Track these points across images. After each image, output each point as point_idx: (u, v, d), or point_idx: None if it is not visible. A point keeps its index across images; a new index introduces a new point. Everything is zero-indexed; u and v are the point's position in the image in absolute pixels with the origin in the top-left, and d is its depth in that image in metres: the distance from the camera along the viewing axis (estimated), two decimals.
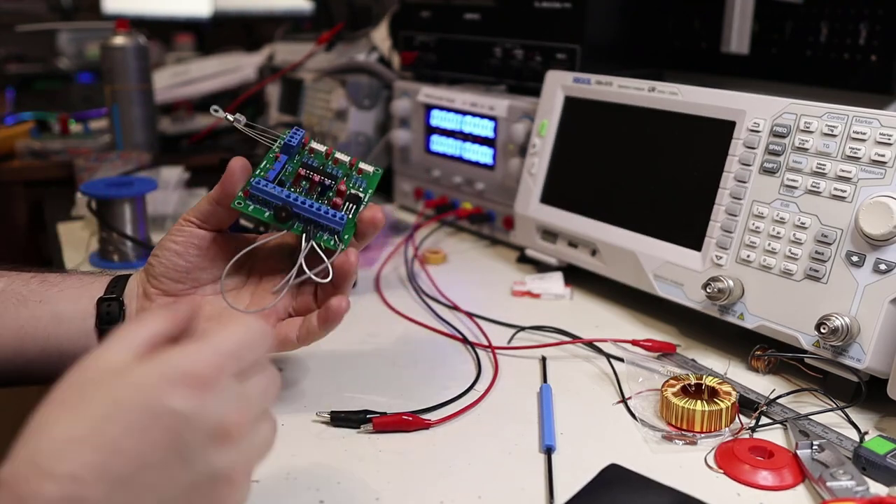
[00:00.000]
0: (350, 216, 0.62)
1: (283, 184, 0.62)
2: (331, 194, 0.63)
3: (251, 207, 0.61)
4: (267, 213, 0.61)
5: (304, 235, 0.60)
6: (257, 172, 0.62)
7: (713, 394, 0.62)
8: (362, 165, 0.65)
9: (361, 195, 0.63)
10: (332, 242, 0.60)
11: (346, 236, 0.61)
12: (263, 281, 0.65)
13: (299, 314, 0.63)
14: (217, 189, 0.61)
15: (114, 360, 0.39)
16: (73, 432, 0.36)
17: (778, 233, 0.68)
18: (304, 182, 0.63)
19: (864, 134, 0.63)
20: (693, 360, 0.72)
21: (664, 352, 0.73)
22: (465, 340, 0.76)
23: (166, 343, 0.41)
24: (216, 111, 0.64)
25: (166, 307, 0.44)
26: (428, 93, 1.11)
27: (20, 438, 0.36)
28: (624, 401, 0.65)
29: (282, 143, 0.63)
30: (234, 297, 0.64)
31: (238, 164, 0.61)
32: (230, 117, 0.63)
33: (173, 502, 0.37)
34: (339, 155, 0.65)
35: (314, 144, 0.65)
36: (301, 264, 0.60)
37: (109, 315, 0.61)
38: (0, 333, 0.59)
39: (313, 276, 0.60)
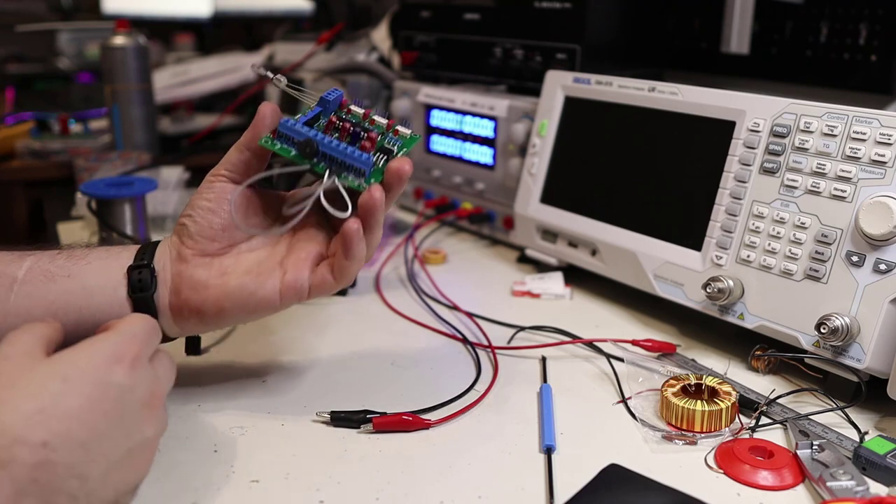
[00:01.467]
0: (380, 165, 0.60)
1: (314, 126, 0.60)
2: (361, 140, 0.60)
3: (278, 145, 0.59)
4: (294, 152, 0.59)
5: (327, 172, 0.58)
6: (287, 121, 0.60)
7: (713, 394, 0.62)
8: (399, 128, 0.63)
9: (394, 150, 0.61)
10: (356, 183, 0.58)
11: (372, 180, 0.59)
12: (297, 239, 0.62)
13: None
14: (246, 133, 0.60)
15: (24, 353, 0.45)
16: (37, 404, 0.41)
17: (778, 233, 0.68)
18: (335, 130, 0.61)
19: (864, 134, 0.63)
20: (693, 360, 0.72)
21: (664, 352, 0.73)
22: (465, 340, 0.76)
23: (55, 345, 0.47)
24: (258, 68, 0.62)
25: (41, 321, 0.49)
26: (428, 93, 1.11)
27: None
28: (624, 401, 0.65)
29: (319, 98, 0.62)
30: (267, 254, 0.62)
31: (268, 108, 0.60)
32: (272, 76, 0.62)
33: (116, 465, 0.44)
34: (376, 117, 0.63)
35: (353, 107, 0.63)
36: (319, 194, 0.57)
37: (141, 283, 0.60)
38: (32, 311, 0.58)
39: (329, 208, 0.57)
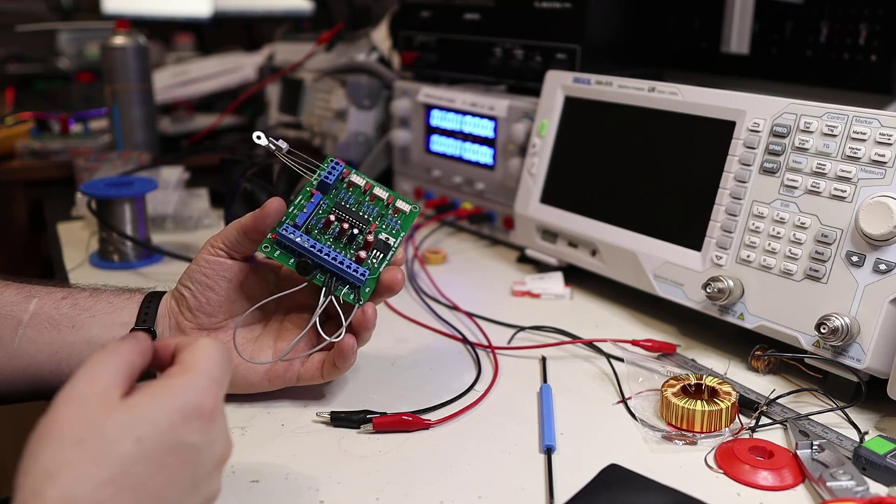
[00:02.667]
0: (376, 265, 0.62)
1: (312, 230, 0.63)
2: (357, 245, 0.63)
3: (277, 253, 0.61)
4: (291, 261, 0.61)
5: (323, 290, 0.60)
6: (289, 212, 0.62)
7: (713, 394, 0.62)
8: (399, 204, 0.65)
9: (392, 241, 0.63)
10: (351, 297, 0.61)
11: (367, 290, 0.61)
12: (290, 315, 0.65)
13: (325, 350, 0.63)
14: (249, 221, 0.62)
15: (101, 394, 0.39)
16: (107, 473, 0.37)
17: (778, 233, 0.68)
18: (333, 227, 0.63)
19: (864, 134, 0.63)
20: (693, 360, 0.72)
21: (664, 352, 0.73)
22: (465, 340, 0.76)
23: (137, 374, 0.43)
24: (259, 138, 0.63)
25: (130, 337, 0.45)
26: (428, 93, 1.11)
27: (28, 475, 0.37)
28: (624, 401, 0.65)
29: (319, 179, 0.64)
30: (261, 331, 0.65)
31: (273, 205, 0.61)
32: (272, 145, 0.63)
33: None
34: (377, 190, 0.65)
35: (354, 177, 0.65)
36: (315, 322, 0.60)
37: None
38: (36, 356, 0.60)
39: (326, 337, 0.60)
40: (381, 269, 0.62)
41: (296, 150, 0.64)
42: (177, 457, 0.39)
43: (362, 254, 0.62)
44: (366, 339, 0.63)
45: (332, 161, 0.65)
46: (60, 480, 0.36)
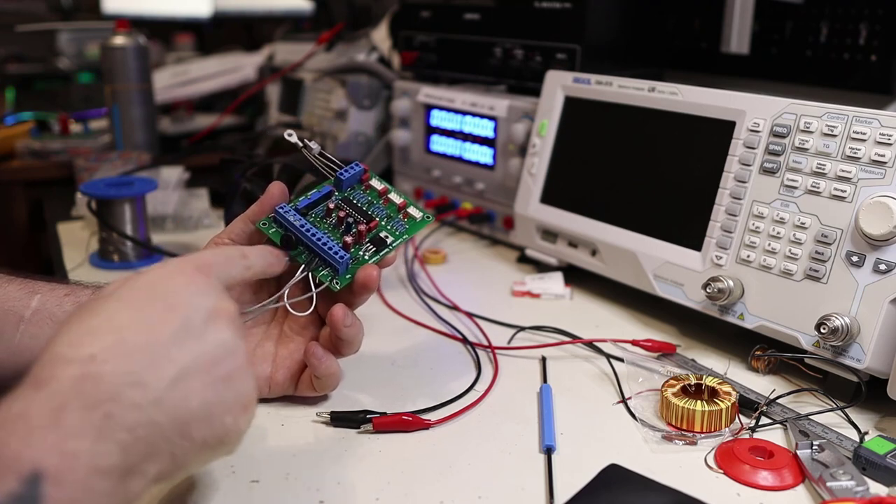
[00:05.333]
0: (366, 258, 0.62)
1: (311, 216, 0.63)
2: (351, 232, 0.63)
3: (272, 230, 0.62)
4: (273, 231, 0.62)
5: (302, 266, 0.61)
6: (296, 199, 0.63)
7: (713, 394, 0.62)
8: (411, 210, 0.65)
9: (390, 239, 0.63)
10: (328, 279, 0.61)
11: (347, 276, 0.61)
12: (290, 322, 0.65)
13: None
14: (253, 207, 0.63)
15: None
16: (87, 325, 0.41)
17: (778, 233, 0.68)
18: (332, 216, 0.64)
19: (864, 134, 0.63)
20: (693, 360, 0.72)
21: (664, 352, 0.73)
22: (465, 340, 0.76)
23: None
24: (290, 135, 0.65)
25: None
26: (428, 93, 1.11)
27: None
28: (624, 401, 0.65)
29: (335, 175, 0.65)
30: (262, 336, 0.65)
31: (277, 188, 0.63)
32: (301, 143, 0.64)
33: (191, 373, 0.41)
34: (393, 195, 0.66)
35: (374, 181, 0.66)
36: (284, 292, 0.60)
37: None
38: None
39: (290, 308, 0.61)
40: (371, 262, 0.62)
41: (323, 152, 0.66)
42: (157, 301, 0.43)
43: (348, 239, 0.62)
44: (346, 343, 0.61)
45: (356, 164, 0.66)
46: (56, 338, 0.40)
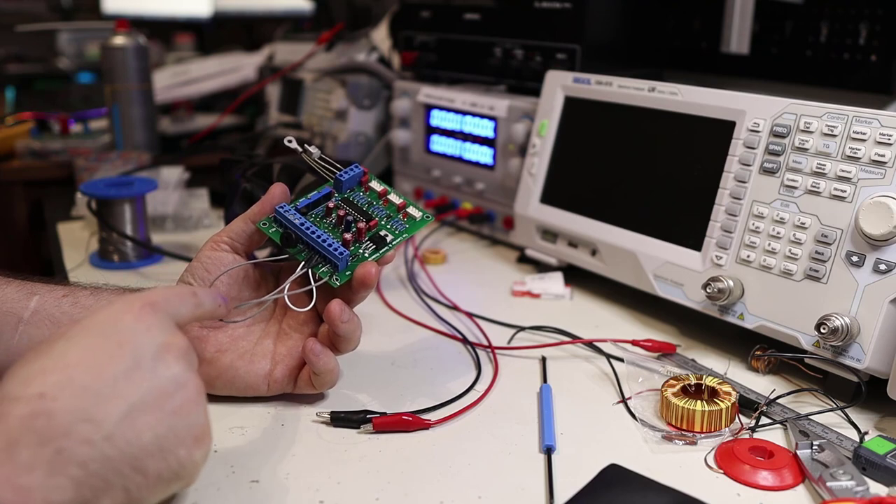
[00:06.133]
0: (366, 255, 0.62)
1: (311, 215, 0.64)
2: (351, 230, 0.63)
3: (272, 229, 0.62)
4: (274, 230, 0.62)
5: (302, 263, 0.61)
6: (292, 199, 0.64)
7: (713, 394, 0.62)
8: (411, 210, 0.65)
9: (390, 238, 0.64)
10: (328, 275, 0.61)
11: (347, 272, 0.61)
12: (289, 319, 0.65)
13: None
14: (254, 208, 0.64)
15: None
16: (38, 365, 0.41)
17: (778, 233, 0.68)
18: (332, 216, 0.64)
19: (864, 134, 0.63)
20: (693, 360, 0.72)
21: (664, 352, 0.73)
22: (465, 340, 0.76)
23: None
24: (290, 142, 0.65)
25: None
26: (428, 93, 1.11)
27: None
28: (624, 401, 0.65)
29: (335, 176, 0.65)
30: (260, 333, 0.64)
31: (279, 188, 0.64)
32: (300, 148, 0.65)
33: (142, 407, 0.42)
34: (392, 196, 0.66)
35: (373, 183, 0.66)
36: (284, 287, 0.60)
37: None
38: None
39: (289, 303, 0.61)
40: (369, 260, 0.62)
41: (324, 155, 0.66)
42: (107, 339, 0.43)
43: (348, 236, 0.62)
44: (344, 339, 0.61)
45: (355, 165, 0.66)
46: (7, 379, 0.41)
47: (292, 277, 0.61)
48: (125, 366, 0.42)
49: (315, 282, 0.61)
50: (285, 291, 0.61)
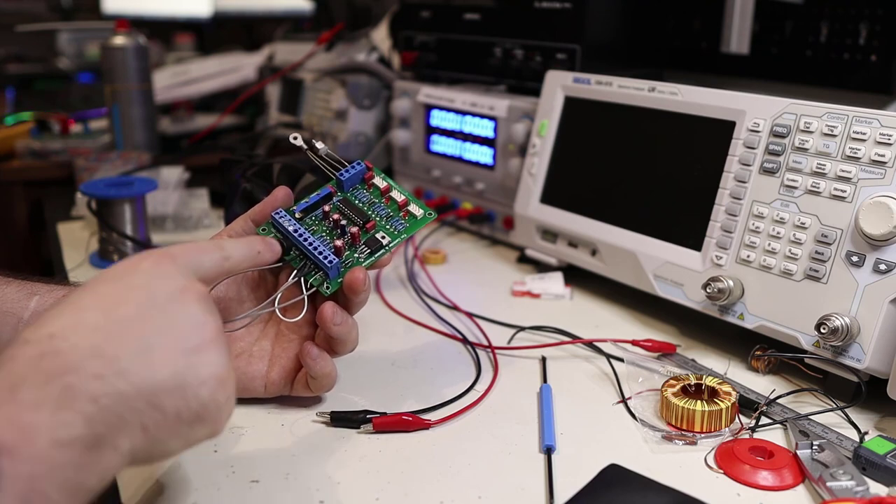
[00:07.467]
0: (362, 259, 0.62)
1: (308, 219, 0.64)
2: (344, 235, 0.63)
3: (271, 235, 0.62)
4: (272, 235, 0.62)
5: (295, 271, 0.61)
6: (294, 203, 0.64)
7: (713, 394, 0.62)
8: (412, 208, 0.65)
9: (386, 240, 0.63)
10: (319, 284, 0.61)
11: (338, 280, 0.61)
12: (287, 311, 0.65)
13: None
14: (256, 208, 0.63)
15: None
16: (57, 310, 0.41)
17: (778, 233, 0.68)
18: (329, 220, 0.64)
19: (864, 134, 0.63)
20: (693, 360, 0.72)
21: (664, 352, 0.73)
22: (465, 340, 0.76)
23: None
24: (295, 139, 0.64)
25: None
26: (428, 93, 1.11)
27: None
28: (624, 401, 0.65)
29: (336, 175, 0.65)
30: (258, 334, 0.64)
31: (282, 192, 0.64)
32: (306, 146, 0.64)
33: (157, 345, 0.41)
34: (394, 193, 0.66)
35: (376, 179, 0.66)
36: (276, 297, 0.60)
37: None
38: None
39: (279, 313, 0.61)
40: (364, 265, 0.62)
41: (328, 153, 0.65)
42: (120, 283, 0.43)
43: (339, 242, 0.62)
44: (337, 340, 0.61)
45: (358, 163, 0.66)
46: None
47: (284, 287, 0.61)
48: (139, 306, 0.42)
49: (307, 290, 0.61)
50: (276, 303, 0.60)
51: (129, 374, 0.39)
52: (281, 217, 0.62)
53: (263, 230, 0.63)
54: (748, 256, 0.70)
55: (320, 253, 0.61)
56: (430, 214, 0.66)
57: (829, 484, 0.51)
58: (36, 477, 0.35)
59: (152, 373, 0.40)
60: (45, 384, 0.37)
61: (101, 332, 0.40)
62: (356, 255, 0.63)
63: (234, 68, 1.76)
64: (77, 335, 0.39)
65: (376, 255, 0.63)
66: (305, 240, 0.61)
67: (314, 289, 0.61)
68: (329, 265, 0.60)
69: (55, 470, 0.36)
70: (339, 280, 0.61)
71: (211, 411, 0.43)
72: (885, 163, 0.62)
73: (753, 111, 0.71)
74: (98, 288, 0.42)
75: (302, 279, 0.61)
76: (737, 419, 0.61)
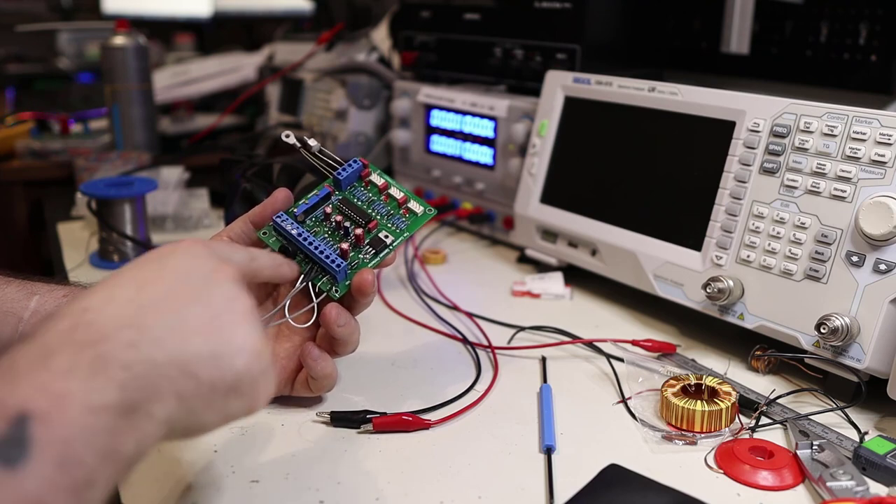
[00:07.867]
0: (367, 260, 0.62)
1: (310, 221, 0.63)
2: (348, 236, 0.63)
3: (273, 239, 0.62)
4: (273, 239, 0.62)
5: (302, 276, 0.61)
6: (294, 205, 0.63)
7: (713, 394, 0.62)
8: (412, 205, 0.65)
9: (390, 239, 0.63)
10: (328, 287, 0.61)
11: (347, 283, 0.61)
12: (290, 311, 0.65)
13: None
14: (256, 210, 0.63)
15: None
16: (92, 289, 0.41)
17: (778, 233, 0.68)
18: (331, 221, 0.64)
19: (864, 134, 0.63)
20: (693, 360, 0.72)
21: (664, 352, 0.73)
22: (465, 340, 0.76)
23: None
24: (287, 137, 0.64)
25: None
26: (428, 93, 1.11)
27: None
28: (624, 401, 0.65)
29: (333, 175, 0.65)
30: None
31: (282, 194, 0.63)
32: (299, 144, 0.64)
33: (188, 319, 0.41)
34: (393, 190, 0.65)
35: (373, 177, 0.66)
36: (285, 305, 0.60)
37: None
38: None
39: (292, 321, 0.61)
40: (370, 266, 0.62)
41: (323, 150, 0.65)
42: (154, 262, 0.44)
43: (345, 245, 0.62)
44: (338, 340, 0.61)
45: (354, 160, 0.66)
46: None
47: (292, 293, 0.60)
48: (173, 282, 0.43)
49: (316, 295, 0.61)
50: (286, 310, 0.60)
51: (162, 343, 0.39)
52: (283, 221, 0.61)
53: (264, 234, 0.62)
54: (748, 256, 0.70)
55: (327, 256, 0.60)
56: (430, 211, 0.65)
57: (829, 484, 0.51)
58: (70, 441, 0.35)
59: (186, 342, 0.40)
60: (78, 353, 0.37)
61: (135, 304, 0.40)
62: (361, 255, 0.62)
63: (234, 68, 1.76)
64: (111, 308, 0.40)
65: (381, 255, 0.63)
66: (310, 243, 0.60)
67: (324, 294, 0.61)
68: (337, 269, 0.60)
69: (89, 435, 0.36)
70: (347, 283, 0.61)
71: (246, 383, 0.43)
72: (885, 163, 0.62)
73: (753, 111, 0.71)
74: (133, 269, 0.43)
75: (309, 284, 0.61)
76: (737, 419, 0.61)
